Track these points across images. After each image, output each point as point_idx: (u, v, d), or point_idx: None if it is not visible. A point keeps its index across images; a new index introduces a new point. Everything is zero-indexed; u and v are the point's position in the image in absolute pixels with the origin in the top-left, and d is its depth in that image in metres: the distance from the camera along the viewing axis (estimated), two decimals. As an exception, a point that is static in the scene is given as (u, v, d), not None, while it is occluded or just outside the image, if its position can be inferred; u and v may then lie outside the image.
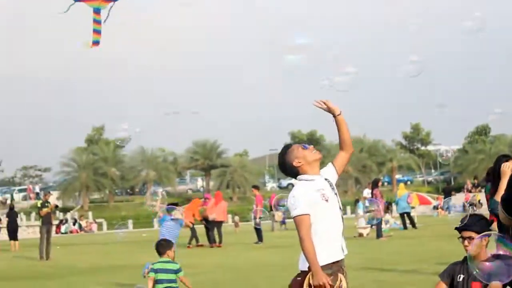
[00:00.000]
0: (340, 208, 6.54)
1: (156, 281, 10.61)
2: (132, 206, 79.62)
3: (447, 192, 48.95)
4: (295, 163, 6.69)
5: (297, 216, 6.35)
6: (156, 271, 10.66)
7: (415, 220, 35.46)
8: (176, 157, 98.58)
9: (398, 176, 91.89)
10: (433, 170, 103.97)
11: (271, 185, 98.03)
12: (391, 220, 36.50)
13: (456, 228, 7.27)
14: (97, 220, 58.61)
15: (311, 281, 6.24)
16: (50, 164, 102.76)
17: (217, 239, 28.68)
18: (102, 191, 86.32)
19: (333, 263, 6.34)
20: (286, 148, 6.85)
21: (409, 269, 16.64)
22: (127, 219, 59.82)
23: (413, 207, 37.68)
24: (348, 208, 61.79)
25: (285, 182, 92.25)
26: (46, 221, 26.09)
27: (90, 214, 63.03)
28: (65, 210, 69.23)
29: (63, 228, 52.49)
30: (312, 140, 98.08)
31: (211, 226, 29.04)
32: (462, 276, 7.02)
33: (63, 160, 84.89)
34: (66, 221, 54.24)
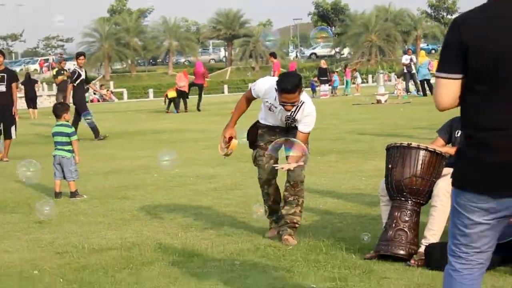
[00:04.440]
0: (287, 125, 7.16)
1: (54, 143, 10.60)
2: (154, 76, 79.57)
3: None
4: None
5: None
6: (53, 134, 10.63)
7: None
8: (198, 27, 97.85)
9: (423, 45, 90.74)
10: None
11: (294, 55, 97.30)
12: (412, 87, 36.21)
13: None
14: (118, 90, 58.44)
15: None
16: (72, 35, 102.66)
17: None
18: (125, 61, 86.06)
19: (268, 125, 7.28)
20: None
21: (420, 133, 16.46)
22: (148, 89, 59.71)
23: (433, 74, 37.25)
24: (370, 76, 61.46)
25: (308, 51, 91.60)
26: (61, 89, 26.04)
27: (111, 83, 63.02)
28: (87, 80, 69.16)
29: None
30: (336, 10, 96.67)
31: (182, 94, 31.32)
32: (460, 131, 6.82)
33: (85, 30, 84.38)
34: (88, 90, 54.13)
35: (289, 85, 6.72)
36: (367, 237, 6.70)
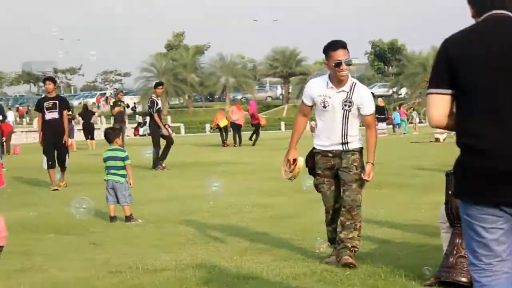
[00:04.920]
0: (344, 119, 7.12)
1: (106, 168, 10.57)
2: (211, 112, 79.85)
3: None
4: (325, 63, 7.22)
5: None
6: (105, 159, 10.60)
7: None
8: (255, 64, 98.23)
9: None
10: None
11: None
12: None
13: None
14: (176, 125, 58.73)
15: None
16: (130, 69, 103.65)
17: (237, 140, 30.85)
18: (182, 97, 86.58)
19: (322, 150, 7.23)
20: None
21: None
22: (205, 124, 59.91)
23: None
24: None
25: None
26: (118, 119, 26.24)
27: (169, 118, 63.37)
28: (145, 114, 69.70)
29: (141, 131, 52.89)
30: (393, 50, 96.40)
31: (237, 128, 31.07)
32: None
33: (143, 65, 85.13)
34: (145, 123, 54.56)
35: (338, 42, 7.11)
36: (429, 271, 6.43)
